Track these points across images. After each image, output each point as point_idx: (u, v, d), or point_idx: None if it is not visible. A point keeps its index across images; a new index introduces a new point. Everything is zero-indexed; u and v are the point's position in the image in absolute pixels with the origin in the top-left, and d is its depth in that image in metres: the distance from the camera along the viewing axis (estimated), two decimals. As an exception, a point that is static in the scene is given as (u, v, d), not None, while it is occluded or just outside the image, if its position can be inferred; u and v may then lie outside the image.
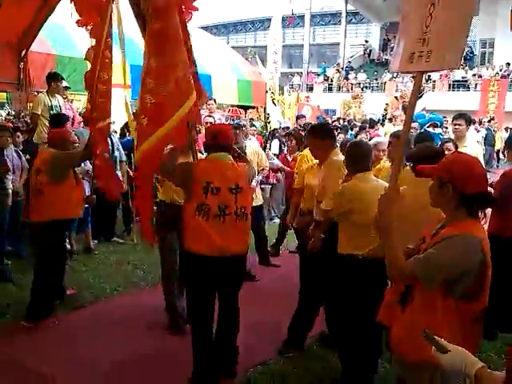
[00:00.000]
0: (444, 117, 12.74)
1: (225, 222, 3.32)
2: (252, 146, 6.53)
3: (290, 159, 7.58)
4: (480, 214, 2.17)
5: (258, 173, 6.22)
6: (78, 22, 6.26)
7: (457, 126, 5.77)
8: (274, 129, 11.03)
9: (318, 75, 33.21)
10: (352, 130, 13.14)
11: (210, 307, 3.52)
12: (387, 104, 20.35)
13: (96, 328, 4.48)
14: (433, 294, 2.08)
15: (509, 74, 25.57)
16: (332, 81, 31.82)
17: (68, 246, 6.57)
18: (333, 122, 14.44)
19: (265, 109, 12.24)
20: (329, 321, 4.18)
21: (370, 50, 36.96)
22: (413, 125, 6.64)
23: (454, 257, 2.02)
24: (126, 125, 8.75)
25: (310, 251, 3.96)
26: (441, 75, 26.46)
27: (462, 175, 2.09)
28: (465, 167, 2.12)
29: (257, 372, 3.82)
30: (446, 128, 11.74)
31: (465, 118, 5.81)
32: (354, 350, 3.53)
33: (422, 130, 8.50)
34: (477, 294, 2.06)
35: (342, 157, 4.02)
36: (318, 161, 4.56)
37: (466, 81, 26.67)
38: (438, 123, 10.74)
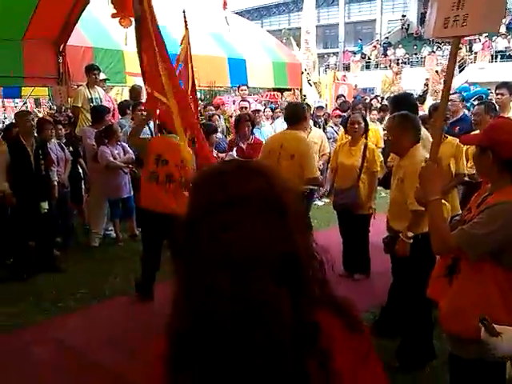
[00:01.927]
0: (488, 89, 12.30)
1: (170, 187, 4.47)
2: (317, 130, 6.73)
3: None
4: None
5: (320, 158, 6.27)
6: (113, 15, 6.37)
7: (499, 96, 5.57)
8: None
9: (355, 53, 32.58)
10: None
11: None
12: (427, 79, 19.77)
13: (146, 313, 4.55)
14: (480, 264, 2.02)
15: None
16: (369, 58, 31.17)
17: (113, 234, 6.77)
18: (370, 100, 14.15)
19: (301, 90, 12.11)
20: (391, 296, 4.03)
21: (408, 25, 35.96)
22: (456, 99, 6.41)
23: (500, 227, 1.95)
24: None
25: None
26: (483, 46, 25.48)
27: (502, 140, 2.01)
28: (504, 132, 2.05)
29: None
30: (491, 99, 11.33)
31: (507, 86, 5.58)
32: (410, 324, 3.52)
33: (468, 105, 8.24)
34: None
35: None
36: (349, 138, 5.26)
37: (510, 50, 25.55)
38: (484, 95, 10.42)
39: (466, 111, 6.85)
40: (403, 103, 4.38)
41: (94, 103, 7.23)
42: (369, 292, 4.74)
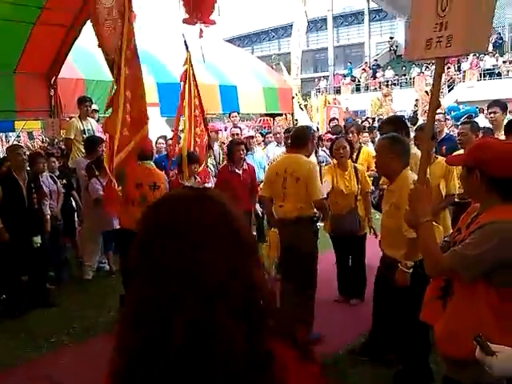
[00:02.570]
0: (477, 107, 12.46)
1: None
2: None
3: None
4: None
5: None
6: (184, 20, 6.20)
7: (492, 115, 5.58)
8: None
9: (345, 76, 32.99)
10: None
11: None
12: (417, 100, 20.01)
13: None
14: (473, 285, 2.00)
15: (544, 57, 24.74)
16: (359, 81, 31.55)
17: (107, 267, 6.70)
18: (362, 122, 14.26)
19: (292, 115, 12.20)
20: (376, 322, 4.01)
21: (397, 46, 36.50)
22: (441, 118, 6.47)
23: (492, 246, 1.93)
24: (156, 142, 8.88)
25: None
26: (471, 65, 25.85)
27: (488, 159, 2.01)
28: (490, 150, 2.04)
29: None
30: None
31: (499, 105, 5.62)
32: (407, 348, 3.48)
33: (458, 123, 8.31)
34: None
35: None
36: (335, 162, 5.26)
37: (498, 68, 25.92)
38: (473, 114, 10.54)
39: (456, 130, 6.91)
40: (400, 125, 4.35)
41: (87, 135, 7.24)
42: (365, 316, 4.68)
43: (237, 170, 6.06)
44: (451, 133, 7.14)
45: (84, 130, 7.34)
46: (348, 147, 5.23)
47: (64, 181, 6.67)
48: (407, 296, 3.24)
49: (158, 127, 9.72)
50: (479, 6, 1.94)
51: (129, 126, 4.58)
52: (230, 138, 8.42)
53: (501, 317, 1.95)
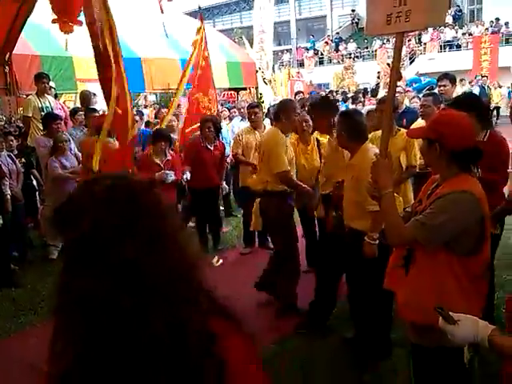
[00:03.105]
0: (434, 78, 12.67)
1: None
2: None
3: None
4: (473, 168, 2.16)
5: None
6: (53, 20, 6.26)
7: (441, 88, 5.70)
8: (267, 108, 10.97)
9: (308, 50, 32.88)
10: (346, 101, 13.05)
11: None
12: (379, 72, 20.19)
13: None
14: (435, 254, 2.08)
15: (499, 30, 25.21)
16: (322, 54, 31.52)
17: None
18: (326, 95, 14.31)
19: (257, 89, 12.15)
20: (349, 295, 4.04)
21: (358, 19, 36.48)
22: (401, 90, 6.56)
23: (451, 216, 2.01)
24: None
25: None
26: (432, 37, 26.16)
27: (448, 132, 2.07)
28: (450, 124, 2.10)
29: (272, 350, 3.85)
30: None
31: (448, 77, 5.73)
32: (367, 319, 3.56)
33: (421, 96, 8.43)
34: (478, 249, 2.06)
35: None
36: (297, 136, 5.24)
37: (458, 40, 26.33)
38: (434, 86, 10.72)
39: (418, 102, 6.99)
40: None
41: (45, 112, 7.05)
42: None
43: (208, 146, 6.14)
44: (413, 104, 7.23)
45: (42, 107, 7.15)
46: (310, 121, 5.24)
47: (23, 159, 6.50)
48: (369, 264, 3.33)
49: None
50: None
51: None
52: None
53: (462, 283, 2.04)
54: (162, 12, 5.43)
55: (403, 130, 4.46)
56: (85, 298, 0.92)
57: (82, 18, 6.33)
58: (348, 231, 3.63)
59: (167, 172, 5.67)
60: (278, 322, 4.39)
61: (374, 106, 6.69)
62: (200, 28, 6.16)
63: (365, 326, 3.65)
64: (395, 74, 2.30)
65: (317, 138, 5.25)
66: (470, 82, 18.31)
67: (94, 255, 0.93)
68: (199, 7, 5.66)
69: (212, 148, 6.26)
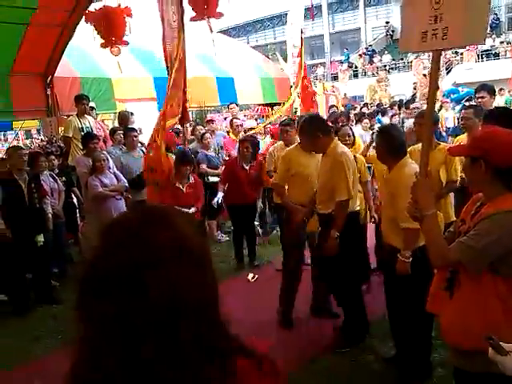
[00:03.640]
0: (473, 89, 12.42)
1: None
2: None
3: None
4: None
5: None
6: (102, 44, 6.49)
7: (479, 99, 5.53)
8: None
9: (342, 63, 32.79)
10: (383, 114, 12.91)
11: None
12: (415, 83, 19.91)
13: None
14: (479, 276, 2.00)
15: (540, 37, 24.60)
16: (356, 67, 31.37)
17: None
18: (361, 108, 14.22)
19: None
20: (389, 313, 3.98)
21: (393, 31, 36.23)
22: (446, 100, 6.42)
23: (497, 238, 1.93)
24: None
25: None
26: (468, 47, 25.68)
27: (493, 148, 2.00)
28: (495, 140, 2.03)
29: (308, 368, 3.79)
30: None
31: (487, 88, 5.56)
32: (408, 338, 3.47)
33: (460, 106, 8.27)
34: None
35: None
36: None
37: (495, 49, 25.74)
38: (473, 96, 10.51)
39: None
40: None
41: (85, 132, 7.23)
42: (370, 302, 4.70)
43: (244, 166, 6.31)
44: (449, 112, 7.07)
45: (82, 127, 7.33)
46: (352, 136, 5.23)
47: (64, 178, 6.69)
48: (409, 284, 3.25)
49: (153, 121, 9.70)
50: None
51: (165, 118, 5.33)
52: (229, 129, 8.46)
53: (508, 306, 1.96)
54: (212, 31, 5.56)
55: (443, 144, 4.37)
56: (124, 322, 0.90)
57: (126, 38, 6.57)
58: (386, 248, 3.56)
59: (184, 210, 5.59)
60: (315, 338, 4.32)
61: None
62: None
63: (405, 346, 3.56)
64: (433, 90, 2.25)
65: (354, 155, 5.20)
66: (509, 92, 17.84)
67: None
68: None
69: (248, 167, 6.41)
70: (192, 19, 5.47)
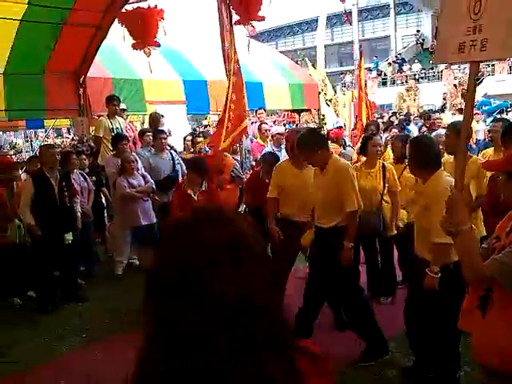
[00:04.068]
0: (505, 101, 12.21)
1: None
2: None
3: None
4: None
5: None
6: (133, 45, 6.64)
7: None
8: (329, 130, 10.91)
9: (371, 70, 32.57)
10: (408, 123, 12.77)
11: None
12: (445, 93, 19.68)
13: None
14: None
15: None
16: (385, 75, 31.13)
17: (137, 262, 6.78)
18: (389, 117, 14.10)
19: (319, 110, 12.12)
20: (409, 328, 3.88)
21: (423, 40, 35.88)
22: (477, 112, 6.32)
23: None
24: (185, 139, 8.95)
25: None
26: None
27: None
28: None
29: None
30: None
31: None
32: (435, 355, 3.41)
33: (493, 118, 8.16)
34: None
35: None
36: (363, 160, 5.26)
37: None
38: (504, 109, 10.34)
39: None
40: None
41: (115, 133, 7.33)
42: (395, 316, 4.65)
43: (267, 180, 6.14)
44: (480, 125, 6.97)
45: (112, 128, 7.44)
46: (383, 146, 5.22)
47: (94, 178, 6.79)
48: (438, 300, 3.21)
49: (181, 124, 9.79)
50: None
51: (231, 121, 6.01)
52: (257, 134, 8.46)
53: None
54: (254, 32, 5.67)
55: (475, 157, 4.30)
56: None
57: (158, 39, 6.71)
58: (417, 261, 3.51)
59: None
60: (337, 351, 4.28)
61: (441, 130, 6.52)
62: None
63: (430, 360, 3.50)
64: (471, 101, 2.21)
65: (383, 163, 5.16)
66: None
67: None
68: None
69: (268, 181, 6.22)
70: (236, 23, 5.58)
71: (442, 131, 5.90)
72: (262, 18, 5.49)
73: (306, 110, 13.00)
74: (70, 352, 4.51)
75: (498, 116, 8.23)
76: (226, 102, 6.00)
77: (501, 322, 2.01)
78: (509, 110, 10.91)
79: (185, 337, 0.92)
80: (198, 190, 5.50)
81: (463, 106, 12.45)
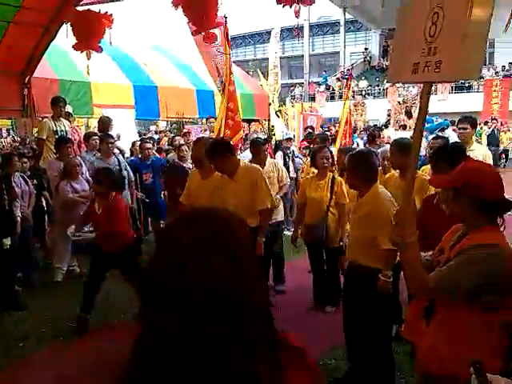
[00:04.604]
0: (445, 119, 12.76)
1: None
2: (271, 160, 6.37)
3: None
4: (499, 220, 2.13)
5: (280, 189, 6.12)
6: (74, 46, 6.48)
7: (461, 130, 5.68)
8: (278, 140, 11.02)
9: (320, 85, 33.26)
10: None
11: None
12: (389, 110, 20.36)
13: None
14: (456, 306, 2.04)
15: (511, 74, 25.51)
16: (334, 90, 31.86)
17: (77, 269, 6.56)
18: (336, 130, 14.38)
19: (269, 121, 12.23)
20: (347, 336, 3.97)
21: (371, 57, 37.02)
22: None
23: (477, 270, 1.97)
24: (134, 144, 8.80)
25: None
26: (442, 78, 26.38)
27: (479, 182, 2.05)
28: (480, 173, 2.09)
29: None
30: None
31: (469, 120, 5.73)
32: (371, 361, 3.50)
33: (434, 135, 8.49)
34: (502, 305, 2.01)
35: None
36: (315, 172, 5.35)
37: (469, 82, 26.50)
38: (445, 127, 10.79)
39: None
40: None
41: (59, 135, 7.10)
42: (341, 325, 4.71)
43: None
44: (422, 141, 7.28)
45: (57, 130, 7.21)
46: (331, 159, 5.32)
47: (35, 181, 6.53)
48: (373, 308, 3.37)
49: (129, 129, 9.61)
50: (471, 33, 1.90)
51: (230, 128, 6.61)
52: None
53: (483, 339, 1.99)
54: (298, 16, 5.56)
55: (419, 173, 4.44)
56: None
57: (102, 44, 6.58)
58: (352, 267, 3.63)
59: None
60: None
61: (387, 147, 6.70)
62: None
63: (366, 369, 3.58)
64: (422, 119, 2.26)
65: (333, 176, 5.27)
66: (479, 124, 18.47)
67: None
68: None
69: None
70: (193, 33, 5.55)
71: (388, 147, 6.07)
72: (219, 24, 5.49)
73: (256, 120, 13.08)
74: (7, 362, 4.28)
75: (440, 134, 8.58)
76: (225, 111, 6.76)
77: (444, 331, 2.07)
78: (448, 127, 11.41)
79: (158, 338, 0.93)
80: (102, 203, 4.96)
81: (406, 123, 12.95)
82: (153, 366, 0.92)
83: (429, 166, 5.09)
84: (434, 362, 2.11)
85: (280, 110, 14.74)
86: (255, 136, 9.03)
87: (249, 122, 13.18)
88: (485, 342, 1.99)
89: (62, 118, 7.31)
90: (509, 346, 2.12)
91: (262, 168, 5.36)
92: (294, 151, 9.33)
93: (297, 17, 5.51)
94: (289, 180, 6.46)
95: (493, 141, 17.80)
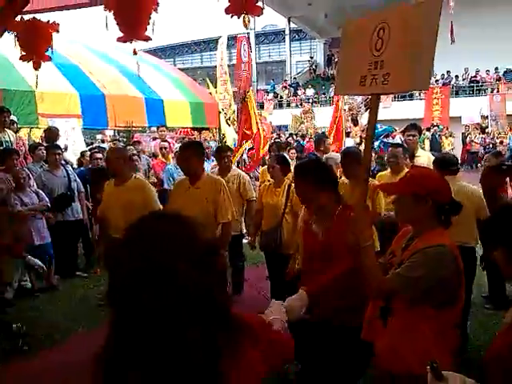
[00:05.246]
0: (390, 126, 13.20)
1: None
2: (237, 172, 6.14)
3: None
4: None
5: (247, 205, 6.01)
6: (21, 57, 6.27)
7: (410, 137, 5.90)
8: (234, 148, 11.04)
9: (268, 92, 33.58)
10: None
11: None
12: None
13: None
14: (412, 305, 2.14)
15: (450, 82, 26.78)
16: (281, 97, 32.26)
17: (29, 285, 6.35)
18: (286, 138, 14.62)
19: (219, 129, 12.26)
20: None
21: (316, 66, 37.73)
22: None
23: (431, 269, 2.08)
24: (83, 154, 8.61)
25: None
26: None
27: (437, 187, 2.19)
28: (436, 179, 2.25)
29: None
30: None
31: (417, 127, 5.99)
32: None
33: (378, 142, 8.79)
34: (454, 302, 2.13)
35: None
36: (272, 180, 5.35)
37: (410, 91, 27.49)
38: (389, 133, 11.21)
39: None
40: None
41: (4, 146, 6.85)
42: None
43: None
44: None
45: (1, 141, 6.95)
46: (279, 166, 5.35)
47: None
48: None
49: (76, 139, 9.38)
50: (419, 45, 1.97)
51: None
52: (158, 151, 8.42)
53: (438, 337, 2.10)
54: (135, 53, 5.46)
55: (370, 180, 4.58)
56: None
57: (49, 53, 6.39)
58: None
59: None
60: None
61: (334, 154, 6.87)
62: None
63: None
64: (371, 132, 2.34)
65: (290, 184, 5.31)
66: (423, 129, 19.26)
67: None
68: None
69: None
70: (118, 39, 5.32)
71: (337, 155, 6.20)
72: (148, 39, 5.32)
73: (206, 129, 13.08)
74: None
75: (385, 140, 8.90)
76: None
77: (400, 329, 2.17)
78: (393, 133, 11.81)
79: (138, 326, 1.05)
80: None
81: (352, 130, 13.26)
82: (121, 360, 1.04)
83: (387, 173, 5.28)
84: (392, 361, 2.20)
85: (230, 118, 14.78)
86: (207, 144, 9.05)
87: (199, 129, 13.16)
88: (440, 339, 2.10)
89: (6, 129, 7.06)
90: (457, 341, 2.27)
91: (224, 177, 5.39)
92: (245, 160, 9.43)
93: (245, 26, 5.54)
94: (254, 194, 6.12)
95: (435, 146, 18.53)
